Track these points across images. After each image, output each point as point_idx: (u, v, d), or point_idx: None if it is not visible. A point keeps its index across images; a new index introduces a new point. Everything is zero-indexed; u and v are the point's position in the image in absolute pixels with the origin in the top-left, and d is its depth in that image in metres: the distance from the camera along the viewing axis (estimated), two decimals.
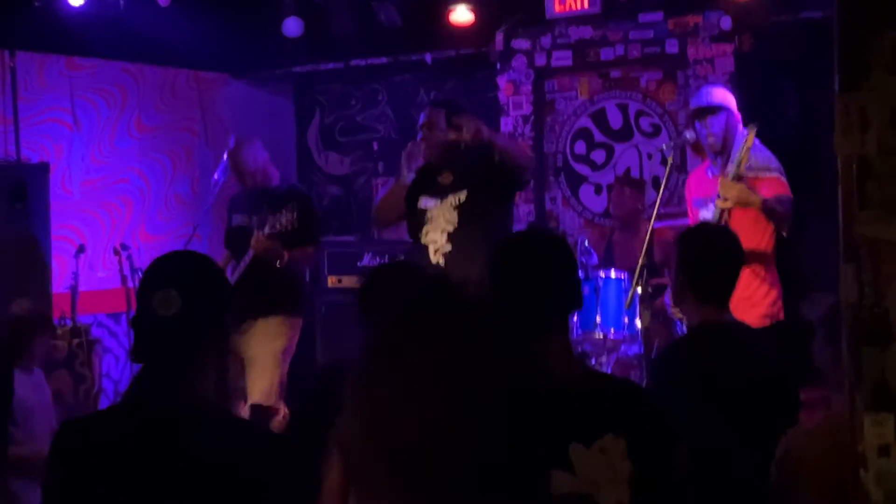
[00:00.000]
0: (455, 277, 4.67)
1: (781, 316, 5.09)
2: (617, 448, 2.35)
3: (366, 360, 1.21)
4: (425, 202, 5.37)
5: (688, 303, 3.49)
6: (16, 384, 5.05)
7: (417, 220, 5.38)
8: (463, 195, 5.27)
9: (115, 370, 7.83)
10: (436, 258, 5.25)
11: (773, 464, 2.63)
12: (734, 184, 4.93)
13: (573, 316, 2.40)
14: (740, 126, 5.17)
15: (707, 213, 5.18)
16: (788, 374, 3.40)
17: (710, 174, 5.28)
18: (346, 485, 1.15)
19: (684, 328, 4.38)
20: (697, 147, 5.42)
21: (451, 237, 5.23)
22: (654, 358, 5.45)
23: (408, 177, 5.41)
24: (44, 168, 7.10)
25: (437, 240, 5.28)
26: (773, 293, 5.10)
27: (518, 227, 6.43)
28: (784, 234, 5.08)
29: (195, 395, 2.35)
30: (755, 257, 4.94)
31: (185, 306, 2.34)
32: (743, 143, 4.93)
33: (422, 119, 5.40)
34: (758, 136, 5.02)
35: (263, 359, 6.18)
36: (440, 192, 5.33)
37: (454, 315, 1.23)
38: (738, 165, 4.94)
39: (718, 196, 4.98)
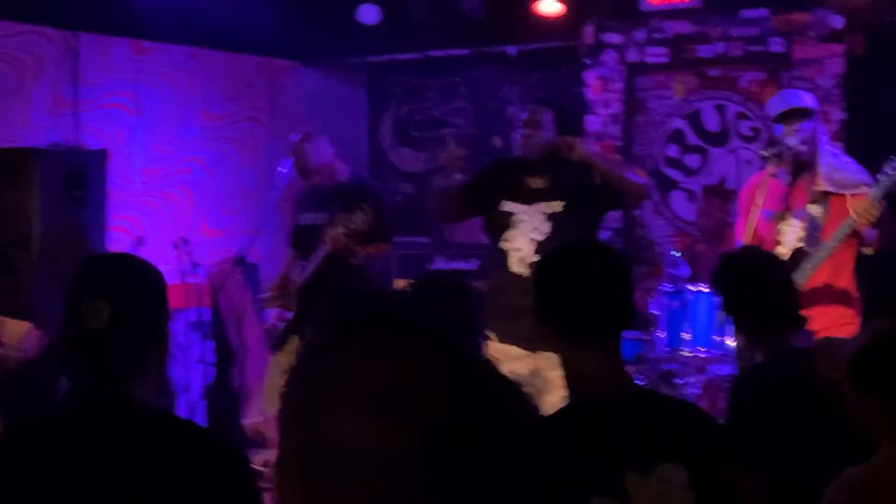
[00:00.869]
0: None
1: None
2: (678, 478, 2.29)
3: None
4: (511, 205, 5.29)
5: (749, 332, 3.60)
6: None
7: (500, 224, 5.29)
8: (558, 205, 5.18)
9: (170, 371, 7.82)
10: (520, 267, 5.17)
11: None
12: (877, 205, 4.65)
13: (625, 333, 2.39)
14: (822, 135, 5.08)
15: (791, 229, 5.04)
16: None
17: (782, 184, 5.08)
18: None
19: None
20: (764, 157, 5.21)
21: (541, 248, 5.11)
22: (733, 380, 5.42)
23: (459, 179, 5.38)
24: (103, 155, 7.07)
25: (522, 247, 5.20)
26: (856, 313, 5.00)
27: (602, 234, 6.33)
28: (869, 251, 4.95)
29: (133, 401, 2.35)
30: (847, 276, 4.93)
31: (115, 317, 2.34)
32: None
33: (524, 115, 5.34)
34: (868, 145, 4.86)
35: None
36: (530, 197, 5.25)
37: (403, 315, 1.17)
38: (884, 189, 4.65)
39: (851, 215, 4.70)
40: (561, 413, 2.42)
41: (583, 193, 5.14)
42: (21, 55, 7.32)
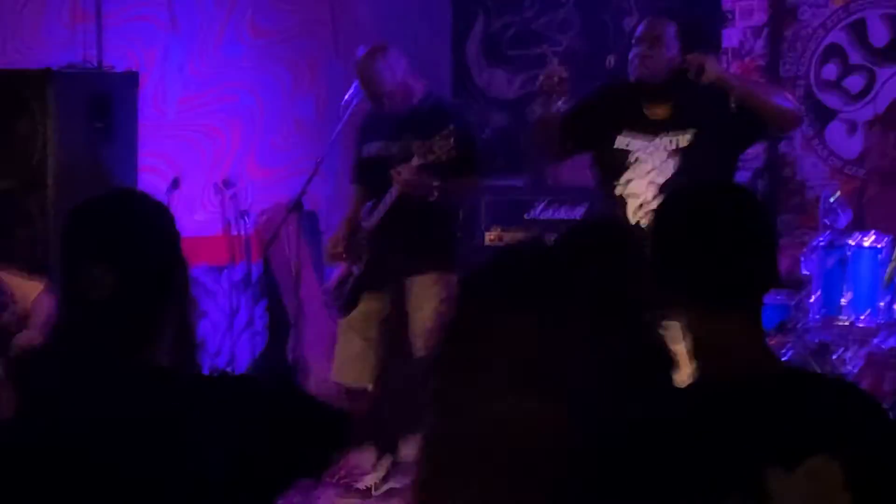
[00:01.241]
0: None
1: None
2: (831, 474, 2.24)
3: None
4: (628, 140, 5.29)
5: None
6: None
7: (614, 164, 5.29)
8: (685, 138, 5.19)
9: (212, 340, 7.94)
10: (637, 216, 5.18)
11: None
12: None
13: (766, 296, 2.34)
14: None
15: None
16: None
17: None
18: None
19: None
20: None
21: (663, 191, 5.11)
22: None
23: (561, 107, 5.37)
24: (132, 78, 7.15)
25: (641, 192, 5.21)
26: None
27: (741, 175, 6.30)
28: None
29: (145, 361, 2.46)
30: None
31: (121, 284, 2.41)
32: None
33: (642, 29, 5.33)
34: None
35: (428, 319, 6.19)
36: (650, 129, 5.25)
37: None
38: None
39: None
40: (687, 394, 2.36)
41: (715, 124, 5.11)
42: None
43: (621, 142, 5.26)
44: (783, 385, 2.37)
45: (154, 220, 2.54)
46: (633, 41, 5.30)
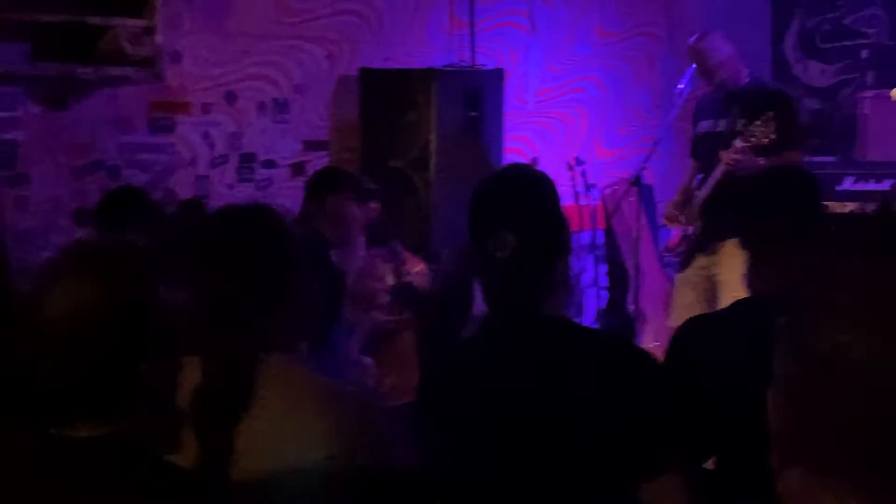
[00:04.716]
0: None
1: None
2: None
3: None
4: None
5: None
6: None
7: None
8: None
9: None
10: None
11: None
12: None
13: None
14: None
15: None
16: None
17: None
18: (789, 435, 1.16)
19: None
20: None
21: None
22: None
23: None
24: (499, 74, 7.28)
25: None
26: None
27: None
28: None
29: (547, 310, 2.49)
30: None
31: (521, 246, 2.44)
32: None
33: None
34: None
35: (734, 283, 6.11)
36: None
37: None
38: None
39: None
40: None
41: None
42: None
43: None
44: None
45: (544, 191, 2.57)
46: None
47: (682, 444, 2.46)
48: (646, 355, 2.55)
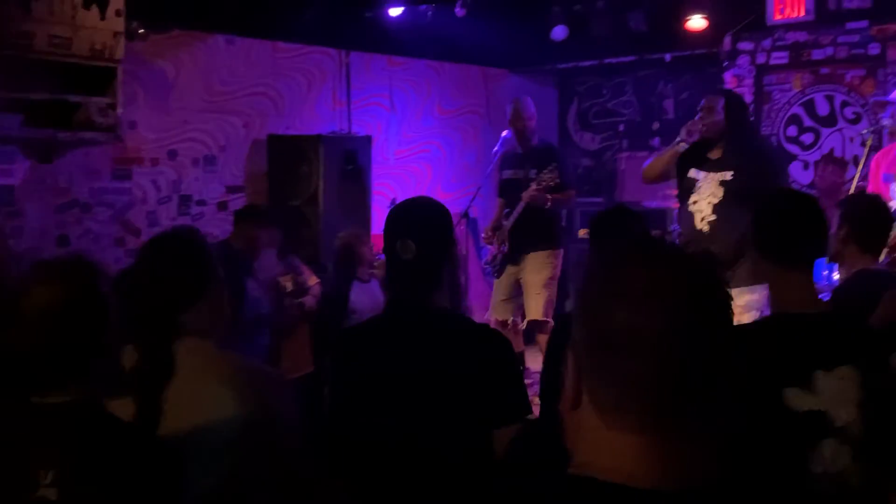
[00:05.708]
0: (718, 242, 4.47)
1: None
2: (852, 378, 2.13)
3: (594, 276, 1.14)
4: (695, 173, 4.95)
5: (850, 253, 3.30)
6: (353, 293, 5.38)
7: (686, 187, 4.97)
8: (728, 174, 4.81)
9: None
10: (701, 225, 4.87)
11: None
12: None
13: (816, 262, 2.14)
14: None
15: None
16: None
17: None
18: (579, 387, 1.11)
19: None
20: (893, 132, 5.14)
21: (716, 208, 4.81)
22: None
23: (682, 147, 4.97)
24: (368, 140, 7.42)
25: (703, 209, 4.87)
26: None
27: None
28: None
29: (435, 304, 2.41)
30: None
31: (420, 251, 2.37)
32: None
33: (702, 103, 4.96)
34: None
35: (536, 284, 6.18)
36: (708, 167, 4.90)
37: (668, 246, 1.18)
38: None
39: None
40: (766, 323, 2.26)
41: (749, 163, 4.69)
42: (309, 68, 7.67)
43: (691, 173, 4.93)
44: (824, 318, 2.22)
45: (440, 215, 2.48)
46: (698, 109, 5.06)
47: (521, 397, 2.36)
48: (491, 330, 2.52)
